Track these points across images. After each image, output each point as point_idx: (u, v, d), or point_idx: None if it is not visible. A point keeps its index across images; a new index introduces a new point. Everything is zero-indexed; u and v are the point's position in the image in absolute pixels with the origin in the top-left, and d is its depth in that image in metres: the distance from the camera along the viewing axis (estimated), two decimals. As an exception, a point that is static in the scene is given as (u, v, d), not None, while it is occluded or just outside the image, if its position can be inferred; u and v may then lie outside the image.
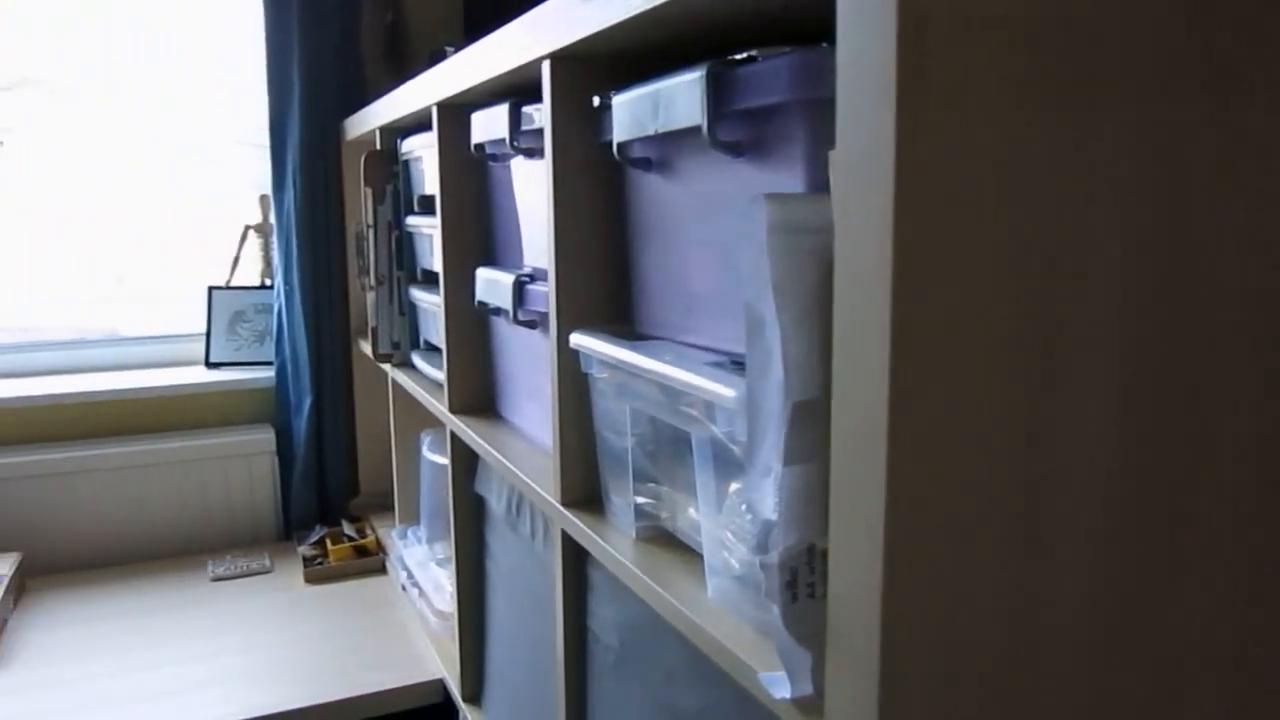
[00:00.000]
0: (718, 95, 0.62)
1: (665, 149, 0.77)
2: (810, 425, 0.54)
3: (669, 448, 0.79)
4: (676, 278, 0.80)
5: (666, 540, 0.82)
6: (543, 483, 0.98)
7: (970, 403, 0.47)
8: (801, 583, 0.57)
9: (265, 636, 1.66)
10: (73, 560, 1.97)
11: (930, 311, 0.45)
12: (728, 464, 0.67)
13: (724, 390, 0.62)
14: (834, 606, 0.52)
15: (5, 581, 1.72)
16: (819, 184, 0.59)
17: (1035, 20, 0.44)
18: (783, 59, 0.57)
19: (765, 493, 0.58)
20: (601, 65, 0.83)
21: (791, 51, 0.58)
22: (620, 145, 0.78)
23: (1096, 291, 0.48)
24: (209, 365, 2.18)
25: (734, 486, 0.68)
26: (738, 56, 0.61)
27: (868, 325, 0.46)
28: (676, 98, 0.66)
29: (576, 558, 0.95)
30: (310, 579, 1.88)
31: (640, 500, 0.83)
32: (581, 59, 0.82)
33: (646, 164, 0.79)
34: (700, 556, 0.75)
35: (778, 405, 0.55)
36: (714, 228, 0.72)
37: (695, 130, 0.64)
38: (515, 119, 0.99)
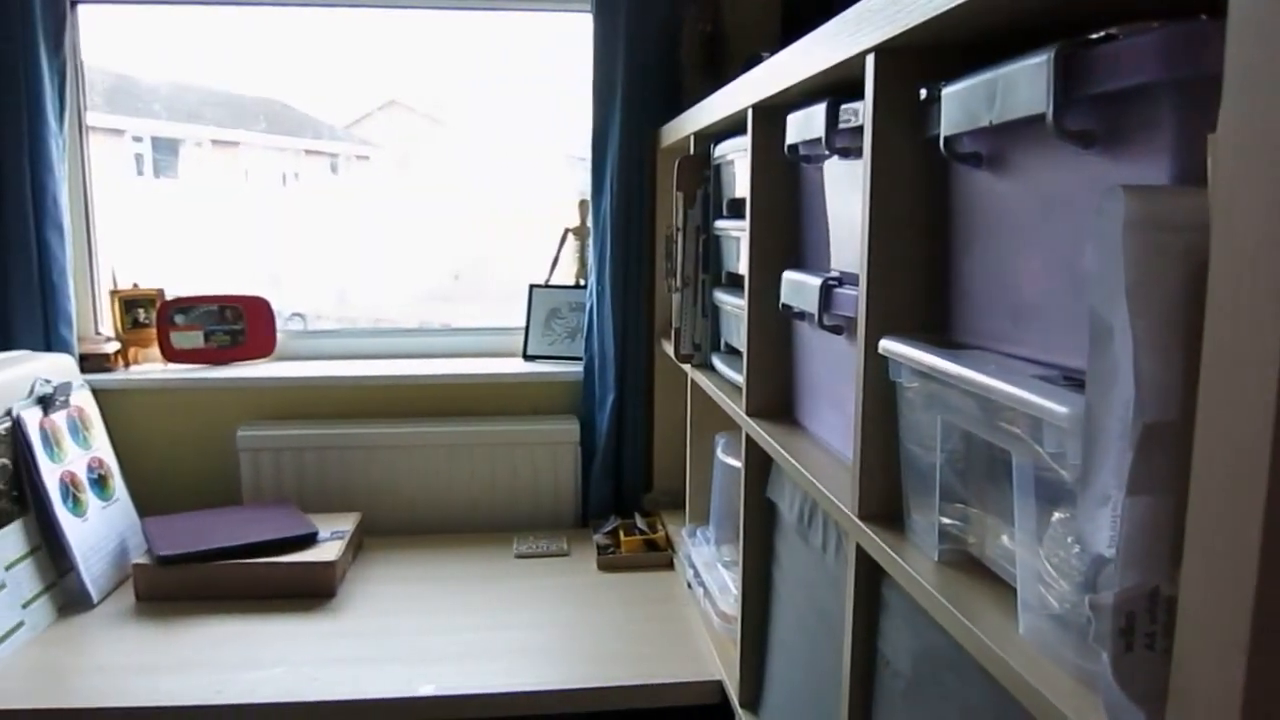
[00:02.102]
0: (1067, 79, 0.56)
1: (999, 142, 0.71)
2: (1163, 451, 0.47)
3: (982, 467, 0.73)
4: (1002, 283, 0.73)
5: (972, 566, 0.76)
6: (839, 494, 0.95)
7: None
8: (1139, 631, 0.50)
9: (559, 615, 1.75)
10: (401, 524, 2.19)
11: (1336, 325, 0.38)
12: (1053, 489, 0.60)
13: (1057, 407, 0.56)
14: (1180, 663, 0.45)
15: (348, 537, 1.94)
16: (1187, 175, 0.51)
17: None
18: (1151, 35, 0.51)
19: (1100, 524, 0.52)
20: (927, 57, 0.78)
21: (1161, 26, 0.51)
22: (948, 140, 0.73)
23: None
24: (526, 357, 2.34)
25: (1058, 515, 0.61)
26: (1092, 36, 0.55)
27: (1251, 340, 0.39)
28: (1018, 84, 0.60)
29: (871, 575, 0.91)
30: (603, 566, 1.96)
31: (946, 521, 0.77)
32: (907, 50, 0.78)
33: (976, 159, 0.74)
34: (1011, 589, 0.68)
35: (1123, 426, 0.48)
36: (1052, 227, 0.65)
37: (1038, 120, 0.59)
38: (833, 117, 0.96)
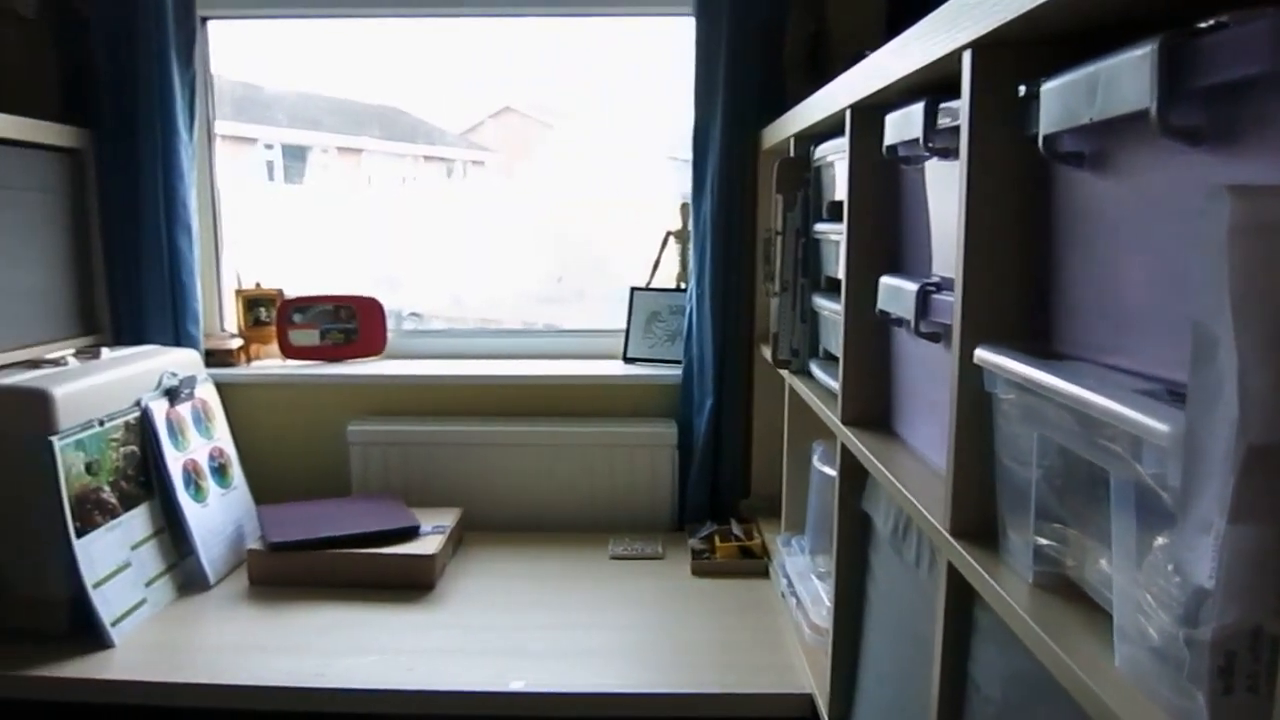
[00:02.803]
0: (1173, 72, 0.52)
1: (1101, 140, 0.67)
2: (1269, 476, 0.43)
3: (1081, 485, 0.69)
4: (1105, 289, 0.69)
5: (1068, 590, 0.72)
6: (932, 508, 0.91)
7: None
8: (1240, 671, 0.46)
9: (651, 618, 1.75)
10: (501, 521, 2.23)
11: None
12: (1154, 512, 0.56)
13: (1156, 424, 0.52)
14: (1287, 709, 0.41)
15: (448, 532, 1.98)
16: (1307, 176, 0.47)
17: None
18: (1264, 22, 0.46)
19: (1201, 553, 0.48)
20: (1026, 52, 0.74)
21: (1275, 12, 0.46)
22: (1047, 138, 0.69)
23: None
24: (626, 360, 2.35)
25: (1159, 540, 0.57)
26: (1200, 25, 0.51)
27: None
28: (1120, 78, 0.57)
29: (962, 594, 0.87)
30: (697, 571, 1.95)
31: (1041, 541, 0.73)
32: (1006, 45, 0.74)
33: (1078, 159, 0.70)
34: (1108, 616, 0.64)
35: (1227, 447, 0.45)
36: (1158, 231, 0.61)
37: (1141, 116, 0.55)
38: (930, 117, 0.93)
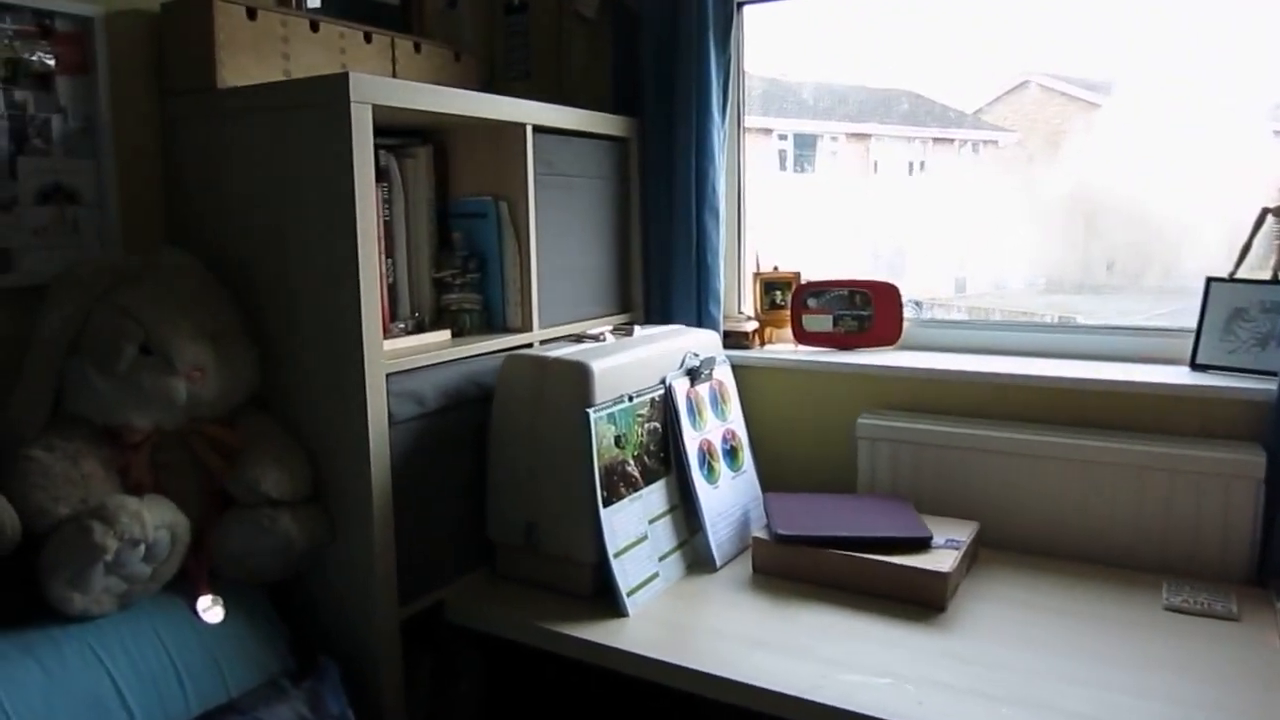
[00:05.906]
0: None
1: None
2: None
3: None
4: None
5: None
6: None
7: None
8: None
9: (1223, 697, 1.38)
10: (1023, 542, 1.95)
11: None
12: None
13: None
14: None
15: (964, 548, 1.78)
16: None
17: None
18: None
19: None
20: None
21: None
22: None
23: None
24: (1194, 367, 1.93)
25: None
26: None
27: None
28: None
29: None
30: (1291, 646, 1.52)
31: None
32: None
33: None
34: None
35: None
36: None
37: None
38: None
